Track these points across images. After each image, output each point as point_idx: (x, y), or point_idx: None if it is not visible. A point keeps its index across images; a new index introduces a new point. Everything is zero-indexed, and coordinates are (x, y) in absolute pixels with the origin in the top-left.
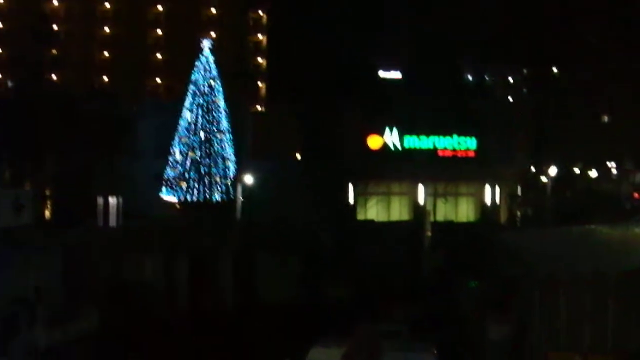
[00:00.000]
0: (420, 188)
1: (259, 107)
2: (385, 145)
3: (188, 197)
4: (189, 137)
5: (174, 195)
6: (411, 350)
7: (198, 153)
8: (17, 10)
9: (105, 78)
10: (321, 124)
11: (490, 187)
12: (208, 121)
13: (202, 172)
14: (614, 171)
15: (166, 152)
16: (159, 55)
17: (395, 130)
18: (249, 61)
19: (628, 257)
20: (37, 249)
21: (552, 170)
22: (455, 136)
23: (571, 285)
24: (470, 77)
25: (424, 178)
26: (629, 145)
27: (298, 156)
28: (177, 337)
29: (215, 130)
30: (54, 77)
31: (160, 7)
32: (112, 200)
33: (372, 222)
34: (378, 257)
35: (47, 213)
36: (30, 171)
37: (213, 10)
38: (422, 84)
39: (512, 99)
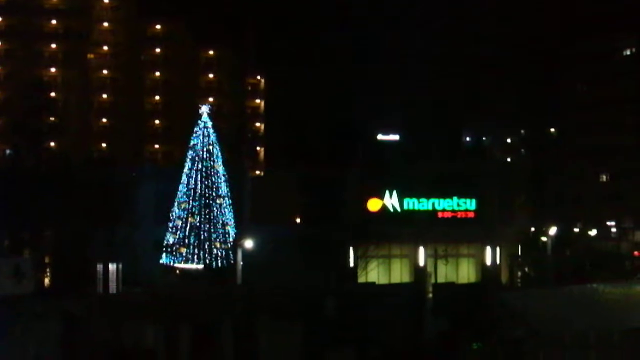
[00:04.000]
0: (421, 250)
1: (257, 172)
2: (385, 208)
3: (188, 263)
4: (188, 203)
5: (174, 262)
6: None
7: (198, 218)
8: (15, 78)
9: (104, 145)
10: (320, 188)
11: (491, 247)
12: (207, 186)
13: (202, 237)
14: (614, 230)
15: (166, 217)
16: (157, 122)
17: (394, 192)
18: (247, 126)
19: (631, 315)
20: (37, 317)
21: (552, 230)
22: (454, 197)
23: (575, 346)
24: (468, 139)
25: (424, 240)
26: (628, 205)
27: (298, 220)
28: None
29: (215, 196)
30: (52, 145)
31: (158, 74)
32: (112, 267)
33: (373, 284)
34: (380, 321)
35: (47, 281)
36: (30, 239)
37: (211, 76)
38: (421, 146)
39: (511, 159)
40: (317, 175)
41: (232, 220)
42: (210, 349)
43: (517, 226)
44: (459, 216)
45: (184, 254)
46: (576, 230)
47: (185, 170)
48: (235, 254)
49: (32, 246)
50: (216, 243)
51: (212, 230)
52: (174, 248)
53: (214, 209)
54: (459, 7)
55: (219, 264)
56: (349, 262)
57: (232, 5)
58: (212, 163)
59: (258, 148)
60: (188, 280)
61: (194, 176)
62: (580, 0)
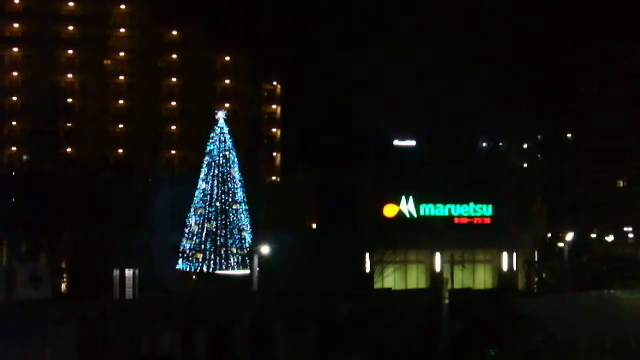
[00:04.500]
0: (438, 256)
1: (274, 178)
2: (401, 214)
3: (205, 269)
4: (205, 209)
5: (191, 267)
6: None
7: (214, 224)
8: (33, 84)
9: (121, 150)
10: (337, 194)
11: (508, 253)
12: (224, 192)
13: (219, 243)
14: (631, 235)
15: (182, 223)
16: (174, 127)
17: (411, 198)
18: (264, 131)
19: None
20: (53, 323)
21: (569, 236)
22: (471, 203)
23: (592, 351)
24: (485, 145)
25: (441, 246)
26: None
27: (314, 226)
28: None
29: (231, 201)
30: (69, 150)
31: (174, 80)
32: (129, 272)
33: (389, 290)
34: (396, 327)
35: (64, 286)
36: (47, 245)
37: (227, 82)
38: (437, 152)
39: (528, 165)
40: (334, 181)
41: (249, 226)
42: (226, 354)
43: (533, 232)
44: (475, 222)
45: (200, 260)
46: (593, 236)
47: (202, 175)
48: (251, 259)
49: (50, 252)
50: (232, 249)
51: (229, 236)
52: (191, 254)
53: (231, 214)
54: (474, 11)
55: (236, 269)
56: (365, 268)
57: (249, 11)
58: (228, 169)
59: (274, 154)
60: (205, 284)
61: (210, 182)
62: (595, 3)
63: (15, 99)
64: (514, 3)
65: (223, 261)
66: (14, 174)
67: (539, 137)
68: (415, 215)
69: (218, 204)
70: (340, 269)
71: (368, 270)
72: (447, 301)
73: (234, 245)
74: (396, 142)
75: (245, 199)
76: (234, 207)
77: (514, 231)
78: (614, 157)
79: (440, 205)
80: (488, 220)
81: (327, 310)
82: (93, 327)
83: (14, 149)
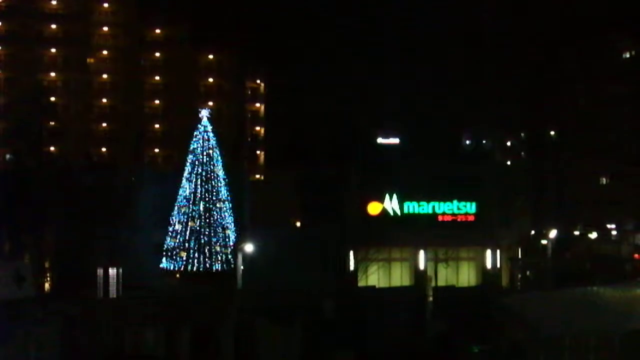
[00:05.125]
0: (421, 253)
1: (258, 176)
2: (385, 211)
3: (188, 267)
4: (188, 207)
5: (174, 266)
6: None
7: (198, 222)
8: (15, 83)
9: (104, 149)
10: (320, 191)
11: (491, 251)
12: (207, 190)
13: (202, 241)
14: (614, 232)
15: (166, 222)
16: (157, 126)
17: (395, 196)
18: (247, 130)
19: (630, 318)
20: (37, 322)
21: (552, 233)
22: (455, 201)
23: (576, 348)
24: (468, 142)
25: (424, 243)
26: (629, 207)
27: (298, 224)
28: None
29: (215, 200)
30: (52, 149)
31: (158, 78)
32: (112, 271)
33: (373, 288)
34: (380, 324)
35: (47, 285)
36: (30, 243)
37: (211, 80)
38: (421, 150)
39: (511, 162)
40: (317, 179)
41: (233, 224)
42: (210, 352)
43: (517, 229)
44: (459, 219)
45: (184, 258)
46: (576, 233)
47: (185, 174)
48: (235, 257)
49: (33, 250)
50: (216, 247)
51: (213, 234)
52: (174, 252)
53: (214, 213)
54: (456, 8)
55: (219, 268)
56: (349, 266)
57: (232, 9)
58: (212, 167)
59: (258, 152)
60: (188, 283)
61: (194, 180)
62: (579, 1)
63: None
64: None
65: (207, 259)
66: None
67: (522, 134)
68: (399, 213)
69: (202, 202)
70: (324, 267)
71: (352, 267)
72: (430, 298)
73: (218, 244)
74: (380, 140)
75: (229, 197)
76: (218, 205)
77: (497, 229)
78: (597, 153)
79: (423, 203)
80: (471, 218)
81: (311, 308)
82: (76, 326)
83: None
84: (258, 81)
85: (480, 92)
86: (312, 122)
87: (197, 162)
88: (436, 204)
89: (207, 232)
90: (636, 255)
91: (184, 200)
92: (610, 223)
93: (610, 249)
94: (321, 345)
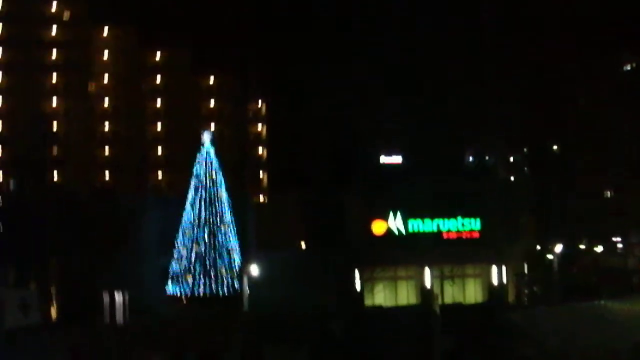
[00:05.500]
0: (427, 271)
1: (261, 197)
2: (389, 230)
3: (194, 291)
4: (193, 231)
5: (180, 290)
6: None
7: (203, 246)
8: (17, 111)
9: (107, 175)
10: (324, 212)
11: (497, 267)
12: (211, 214)
13: (208, 265)
14: (620, 245)
15: (171, 246)
16: (159, 150)
17: (398, 214)
18: (250, 152)
19: (638, 331)
20: (44, 350)
21: (558, 247)
22: (459, 218)
23: None
24: (471, 158)
25: (429, 261)
26: (634, 220)
27: (303, 245)
28: None
29: (219, 223)
30: (55, 176)
31: (159, 102)
32: (118, 296)
33: (380, 307)
34: (388, 344)
35: (53, 312)
36: (35, 271)
37: (212, 103)
38: (424, 168)
39: (515, 178)
40: (321, 199)
41: (237, 247)
42: None
43: (522, 245)
44: (464, 236)
45: (190, 282)
46: (582, 247)
47: (189, 198)
48: (241, 280)
49: (38, 278)
50: (222, 270)
51: (218, 257)
52: (180, 276)
53: (219, 236)
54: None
55: (225, 291)
56: (355, 285)
57: (232, 33)
58: (215, 190)
59: (261, 174)
60: (194, 307)
61: (198, 204)
62: (584, 17)
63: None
64: (500, 16)
65: (213, 283)
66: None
67: (525, 149)
68: (404, 231)
69: (206, 226)
70: (330, 287)
71: (358, 287)
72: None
73: (223, 267)
74: (382, 159)
75: (233, 220)
76: (222, 228)
77: (502, 245)
78: (600, 168)
79: (428, 221)
80: (476, 234)
81: (318, 329)
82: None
83: (0, 175)
84: (259, 103)
85: (482, 108)
86: (315, 143)
87: (200, 186)
88: (440, 221)
89: (212, 256)
90: None
91: (189, 224)
92: (616, 236)
93: (617, 261)
94: None
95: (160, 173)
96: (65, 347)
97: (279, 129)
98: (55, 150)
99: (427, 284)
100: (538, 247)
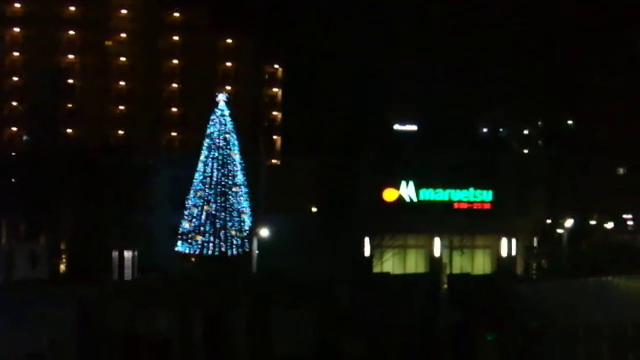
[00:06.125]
0: (437, 241)
1: (274, 161)
2: (401, 198)
3: (204, 251)
4: (204, 191)
5: (190, 249)
6: None
7: (213, 206)
8: (33, 64)
9: (121, 131)
10: (337, 177)
11: (507, 239)
12: (223, 175)
13: (218, 225)
14: (630, 223)
15: (182, 205)
16: (174, 109)
17: (411, 183)
18: (264, 114)
19: None
20: (52, 303)
21: (568, 222)
22: (471, 188)
23: (590, 337)
24: (485, 130)
25: (440, 231)
26: None
27: (314, 209)
28: None
29: (231, 184)
30: (69, 130)
31: (175, 61)
32: (127, 253)
33: (388, 274)
34: (395, 311)
35: (62, 267)
36: (45, 225)
37: (228, 64)
38: (438, 137)
39: (528, 151)
40: (334, 165)
41: (248, 209)
42: (224, 336)
43: (533, 218)
44: (475, 207)
45: (199, 242)
46: (592, 222)
47: (202, 157)
48: (250, 242)
49: (49, 231)
50: (232, 231)
51: (228, 218)
52: (190, 235)
53: (230, 197)
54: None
55: (235, 252)
56: (364, 252)
57: None
58: (228, 151)
59: (275, 137)
60: (203, 266)
61: (210, 164)
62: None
63: (15, 78)
64: None
65: (222, 243)
66: (13, 153)
67: (540, 123)
68: (415, 200)
69: (218, 186)
70: (340, 253)
71: (367, 254)
72: (445, 286)
73: (233, 228)
74: (397, 127)
75: (245, 182)
76: (234, 189)
77: (513, 217)
78: (614, 144)
79: (439, 190)
80: (488, 206)
81: (326, 294)
82: (90, 308)
83: (14, 128)
84: (276, 66)
85: (498, 81)
86: (330, 108)
87: (213, 146)
88: (452, 191)
89: (222, 216)
90: None
91: (200, 184)
92: (627, 213)
93: (627, 239)
94: (335, 332)
95: (174, 132)
96: (72, 300)
97: (295, 92)
98: (69, 105)
99: (437, 253)
100: (549, 221)
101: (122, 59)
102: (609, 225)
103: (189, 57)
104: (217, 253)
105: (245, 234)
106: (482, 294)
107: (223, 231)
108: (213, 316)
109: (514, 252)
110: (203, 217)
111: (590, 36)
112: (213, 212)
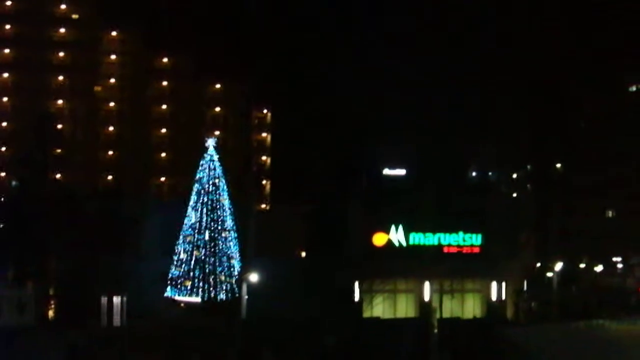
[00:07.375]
0: (426, 285)
1: (263, 206)
2: (390, 243)
3: (193, 297)
4: (193, 236)
5: (179, 295)
6: None
7: (203, 252)
8: (23, 110)
9: (110, 177)
10: (326, 222)
11: (497, 283)
12: (213, 220)
13: (207, 271)
14: (620, 265)
15: (171, 251)
16: (163, 155)
17: (400, 227)
18: (253, 159)
19: (636, 351)
20: (42, 349)
21: (558, 266)
22: (460, 232)
23: None
24: (474, 174)
25: (429, 275)
26: (634, 240)
27: (303, 254)
28: None
29: (220, 229)
30: (58, 176)
31: (164, 107)
32: (116, 299)
33: (378, 319)
34: (385, 356)
35: (51, 312)
36: (34, 271)
37: (217, 109)
38: (427, 181)
39: (517, 195)
40: (322, 210)
41: (237, 254)
42: None
43: (522, 261)
44: (464, 251)
45: (189, 287)
46: (582, 265)
47: (191, 203)
48: (240, 287)
49: (36, 278)
50: (221, 276)
51: (217, 263)
52: (179, 281)
53: (219, 242)
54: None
55: (224, 297)
56: (354, 297)
57: (239, 39)
58: (217, 196)
59: (264, 182)
60: (193, 312)
61: (199, 209)
62: (587, 37)
63: (4, 124)
64: (506, 33)
65: (211, 289)
66: (2, 199)
67: (529, 167)
68: (405, 244)
69: (207, 231)
70: (329, 298)
71: (357, 298)
72: (435, 330)
73: (223, 273)
74: (386, 171)
75: (234, 227)
76: (223, 234)
77: (503, 261)
78: (603, 187)
79: (429, 234)
80: (477, 250)
81: (315, 339)
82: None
83: (3, 174)
84: (265, 111)
85: (486, 125)
86: (318, 153)
87: (203, 192)
88: (442, 235)
89: (212, 262)
90: None
91: (189, 230)
92: (616, 256)
93: (616, 282)
94: None
95: (163, 177)
96: (61, 347)
97: (283, 137)
98: (58, 150)
99: (427, 297)
100: (538, 265)
101: (111, 104)
102: (599, 268)
103: (178, 103)
104: (206, 298)
105: (234, 279)
106: (472, 338)
107: (212, 276)
108: None
109: (503, 296)
110: (192, 262)
111: (579, 80)
112: (202, 257)
